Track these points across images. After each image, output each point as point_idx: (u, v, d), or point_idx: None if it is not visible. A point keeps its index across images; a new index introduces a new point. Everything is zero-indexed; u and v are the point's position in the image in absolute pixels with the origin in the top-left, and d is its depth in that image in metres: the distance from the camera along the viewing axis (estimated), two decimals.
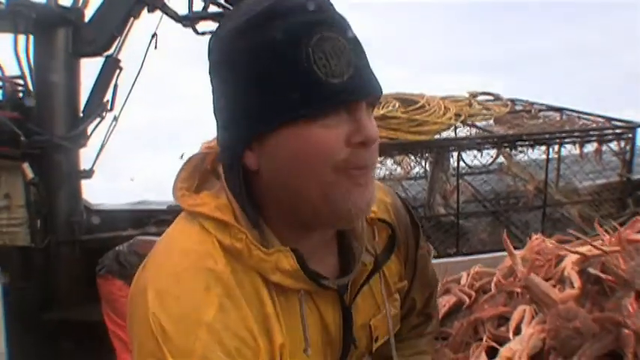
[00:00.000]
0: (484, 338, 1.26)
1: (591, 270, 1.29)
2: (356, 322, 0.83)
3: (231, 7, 4.33)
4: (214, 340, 0.65)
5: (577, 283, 1.15)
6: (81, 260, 3.92)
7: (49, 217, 4.17)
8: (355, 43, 0.68)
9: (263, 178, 0.71)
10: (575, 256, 1.35)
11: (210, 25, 4.22)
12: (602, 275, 1.20)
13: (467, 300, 1.39)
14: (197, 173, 0.78)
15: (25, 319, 3.63)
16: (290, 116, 0.65)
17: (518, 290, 1.33)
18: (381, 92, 0.71)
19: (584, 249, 1.37)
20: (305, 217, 0.72)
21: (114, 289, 3.40)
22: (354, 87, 0.66)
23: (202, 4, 4.26)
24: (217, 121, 0.73)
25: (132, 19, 4.16)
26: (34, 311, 3.82)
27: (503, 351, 1.13)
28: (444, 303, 1.57)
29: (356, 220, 0.75)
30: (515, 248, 1.72)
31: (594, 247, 1.26)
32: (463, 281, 1.67)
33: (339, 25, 0.67)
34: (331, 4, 0.70)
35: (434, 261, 2.33)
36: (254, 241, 0.70)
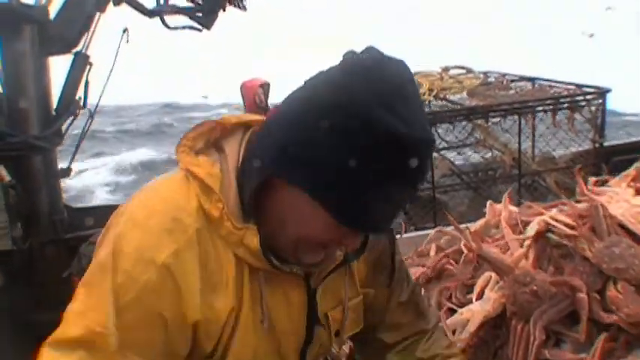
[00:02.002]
0: (448, 304, 1.30)
1: (553, 236, 1.32)
2: (320, 306, 0.91)
3: (200, 3, 4.28)
4: (157, 280, 0.75)
5: (529, 246, 1.18)
6: (66, 259, 3.91)
7: (30, 218, 4.15)
8: (416, 182, 0.77)
9: (271, 201, 0.79)
10: (539, 223, 1.37)
11: (183, 21, 4.18)
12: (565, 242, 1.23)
13: (430, 272, 1.43)
14: (203, 139, 0.85)
15: (15, 322, 3.63)
16: (315, 197, 0.73)
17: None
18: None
19: (545, 216, 1.40)
20: (278, 246, 0.82)
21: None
22: (375, 225, 0.77)
23: None
24: (269, 134, 0.78)
25: (98, 13, 4.09)
26: (23, 314, 3.82)
27: (464, 311, 1.16)
28: (415, 273, 1.60)
29: (309, 269, 0.87)
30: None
31: (554, 218, 1.29)
32: (432, 252, 1.69)
33: (412, 182, 0.77)
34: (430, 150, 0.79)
35: (411, 234, 2.36)
36: (230, 214, 0.79)
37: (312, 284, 0.89)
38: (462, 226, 1.98)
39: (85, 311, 0.76)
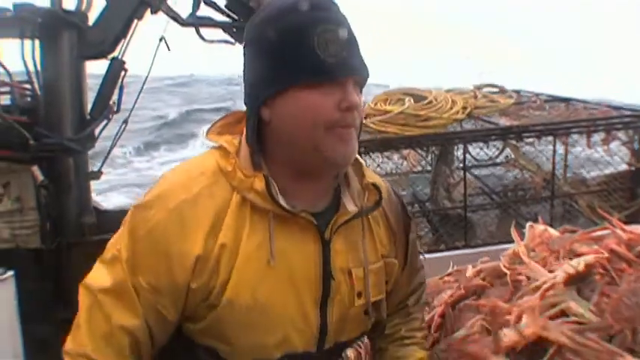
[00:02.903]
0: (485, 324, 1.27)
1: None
2: (334, 260, 0.97)
3: (236, 18, 4.33)
4: (166, 221, 0.90)
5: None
6: (91, 261, 3.95)
7: (59, 218, 4.21)
8: (350, 35, 0.90)
9: (272, 129, 0.92)
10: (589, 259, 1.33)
11: (220, 35, 4.23)
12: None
13: (470, 293, 1.40)
14: (228, 126, 1.03)
15: (38, 320, 3.67)
16: (296, 82, 0.88)
17: (524, 278, 1.33)
18: (367, 74, 0.93)
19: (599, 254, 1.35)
20: (298, 162, 0.94)
21: None
22: (345, 66, 0.89)
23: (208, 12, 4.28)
24: (245, 86, 0.95)
25: (136, 20, 4.17)
26: (46, 313, 3.86)
27: (506, 333, 1.14)
28: (451, 294, 1.57)
29: (339, 168, 0.97)
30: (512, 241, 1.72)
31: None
32: (469, 273, 1.67)
33: (338, 21, 0.89)
34: (335, 5, 0.92)
35: (442, 254, 2.33)
36: (241, 167, 0.93)
37: (326, 236, 0.96)
38: (499, 247, 1.95)
39: (113, 243, 0.97)
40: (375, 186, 1.01)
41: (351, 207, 0.98)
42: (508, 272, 1.50)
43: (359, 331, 1.06)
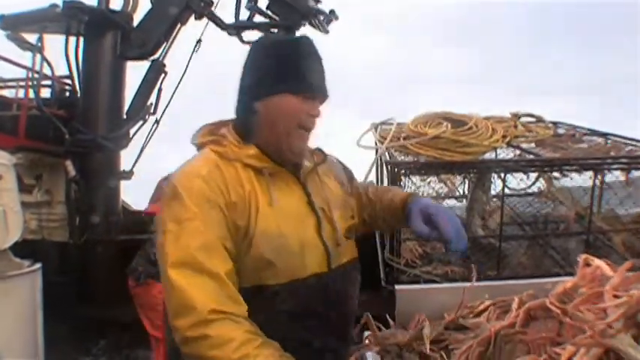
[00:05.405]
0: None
1: None
2: (314, 196, 1.31)
3: (276, 17, 4.38)
4: (204, 184, 1.16)
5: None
6: (115, 260, 3.98)
7: (87, 215, 4.26)
8: (320, 62, 1.30)
9: (261, 117, 1.25)
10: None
11: (256, 35, 4.26)
12: None
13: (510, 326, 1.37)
14: (210, 131, 1.31)
15: (59, 313, 3.69)
16: (283, 90, 1.24)
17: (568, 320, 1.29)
18: (328, 95, 1.32)
19: None
20: (274, 148, 1.27)
21: (156, 293, 3.41)
22: (318, 87, 1.29)
23: (248, 14, 4.33)
24: (243, 84, 1.29)
25: (179, 24, 4.23)
26: (68, 307, 3.89)
27: None
28: (495, 325, 1.54)
29: (299, 158, 1.31)
30: (555, 274, 1.67)
31: None
32: (514, 305, 1.63)
33: (314, 51, 1.30)
34: (310, 40, 1.31)
35: (479, 283, 2.26)
36: (233, 145, 1.25)
37: (301, 179, 1.31)
38: (545, 280, 1.91)
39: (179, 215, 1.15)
40: (320, 150, 1.42)
41: (306, 164, 1.35)
42: (557, 311, 1.45)
43: (352, 253, 1.38)
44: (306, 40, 1.32)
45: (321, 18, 4.62)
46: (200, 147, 1.29)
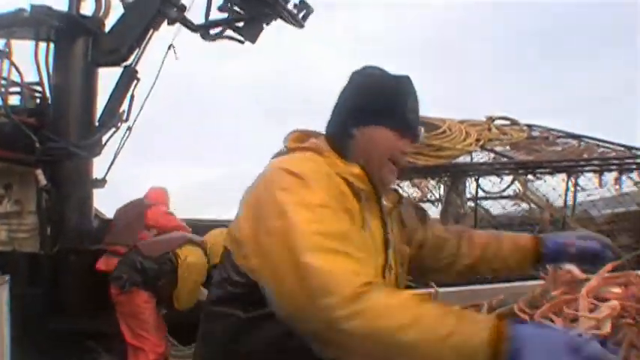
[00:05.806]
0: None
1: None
2: (390, 234, 1.35)
3: (242, 12, 4.31)
4: (327, 181, 1.18)
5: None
6: (89, 270, 3.88)
7: (59, 224, 4.15)
8: (418, 103, 1.37)
9: (356, 143, 1.31)
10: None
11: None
12: None
13: None
14: (301, 139, 1.36)
15: (30, 326, 3.59)
16: (383, 124, 1.31)
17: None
18: (420, 136, 1.39)
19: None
20: (370, 176, 1.28)
21: (140, 302, 3.34)
22: (414, 127, 1.35)
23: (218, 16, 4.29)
24: (341, 109, 1.36)
25: (152, 30, 4.18)
26: (39, 319, 3.78)
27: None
28: None
29: (387, 191, 1.39)
30: (531, 278, 1.67)
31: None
32: (484, 310, 1.62)
33: (414, 91, 1.37)
34: (410, 80, 1.38)
35: (449, 289, 2.26)
36: (335, 158, 1.26)
37: (384, 213, 1.34)
38: (516, 285, 1.90)
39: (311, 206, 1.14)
40: (396, 191, 1.49)
41: (388, 204, 1.39)
42: (525, 317, 1.45)
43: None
44: (407, 79, 1.38)
45: (294, 11, 4.52)
46: (290, 151, 1.31)
